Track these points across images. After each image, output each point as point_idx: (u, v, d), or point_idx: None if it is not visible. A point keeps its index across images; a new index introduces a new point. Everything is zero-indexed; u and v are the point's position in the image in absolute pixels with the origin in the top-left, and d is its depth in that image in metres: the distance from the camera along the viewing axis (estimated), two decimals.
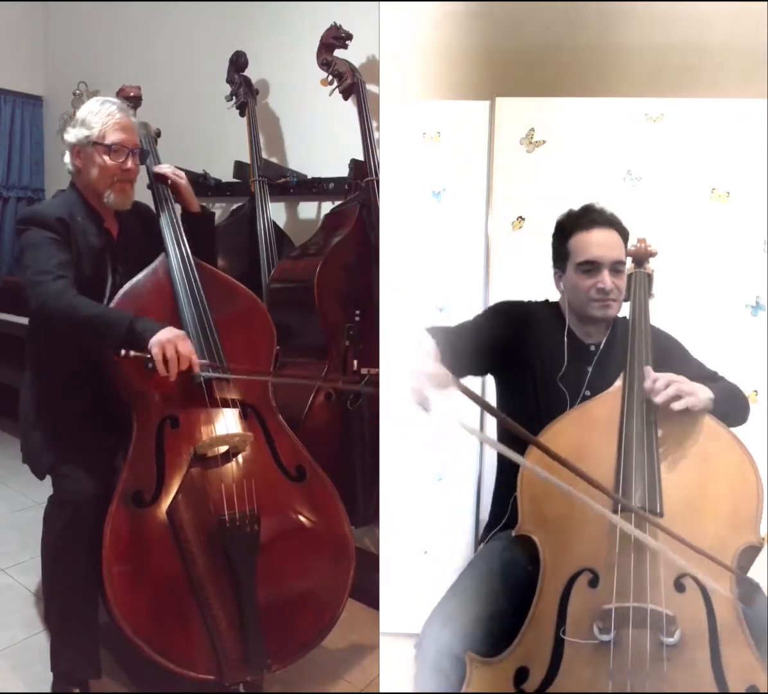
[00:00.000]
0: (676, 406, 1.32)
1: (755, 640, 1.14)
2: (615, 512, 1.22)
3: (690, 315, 2.19)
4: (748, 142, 2.20)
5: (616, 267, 1.57)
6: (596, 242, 1.57)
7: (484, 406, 1.11)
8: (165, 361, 1.56)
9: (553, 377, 1.58)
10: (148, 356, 1.55)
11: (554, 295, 1.74)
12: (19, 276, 1.74)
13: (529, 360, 1.61)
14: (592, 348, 1.63)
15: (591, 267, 1.57)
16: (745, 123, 2.19)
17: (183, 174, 2.00)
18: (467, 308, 2.26)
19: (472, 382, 2.16)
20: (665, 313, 2.15)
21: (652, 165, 2.24)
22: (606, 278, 1.55)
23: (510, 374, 1.67)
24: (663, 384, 1.34)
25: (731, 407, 1.47)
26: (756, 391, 2.19)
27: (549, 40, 2.38)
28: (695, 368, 1.59)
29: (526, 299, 1.73)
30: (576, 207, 1.65)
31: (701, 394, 1.35)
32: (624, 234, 1.62)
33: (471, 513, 2.28)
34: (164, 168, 1.99)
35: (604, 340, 1.63)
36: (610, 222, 1.60)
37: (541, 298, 1.77)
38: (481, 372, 1.71)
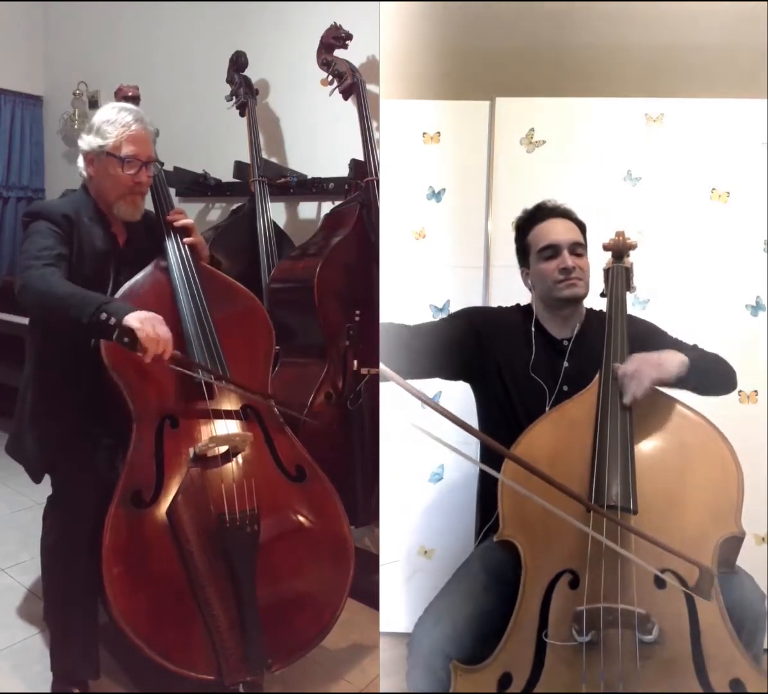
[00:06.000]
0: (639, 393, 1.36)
1: (738, 633, 1.14)
2: (588, 512, 1.21)
3: (690, 315, 2.19)
4: (748, 142, 2.20)
5: (575, 250, 1.62)
6: (552, 229, 1.64)
7: (425, 400, 1.03)
8: (145, 339, 1.48)
9: (524, 369, 1.60)
10: (127, 328, 1.47)
11: None
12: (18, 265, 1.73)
13: (497, 362, 1.63)
14: (565, 343, 1.64)
15: (551, 252, 1.62)
16: (745, 123, 2.20)
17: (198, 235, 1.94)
18: None
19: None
20: (665, 313, 2.16)
21: (652, 165, 2.24)
22: (566, 258, 1.60)
23: (481, 381, 1.68)
24: (628, 379, 1.38)
25: (713, 368, 1.51)
26: (756, 391, 2.20)
27: (549, 40, 2.38)
28: (671, 345, 1.57)
29: (495, 306, 1.77)
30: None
31: (668, 364, 1.39)
32: (579, 224, 1.67)
33: (471, 513, 2.27)
34: (184, 220, 1.91)
35: (575, 334, 1.65)
36: (563, 213, 1.67)
37: None
38: (441, 374, 1.67)
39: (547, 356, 1.62)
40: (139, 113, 1.80)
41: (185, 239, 1.88)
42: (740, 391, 2.20)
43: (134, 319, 1.50)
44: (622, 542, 1.17)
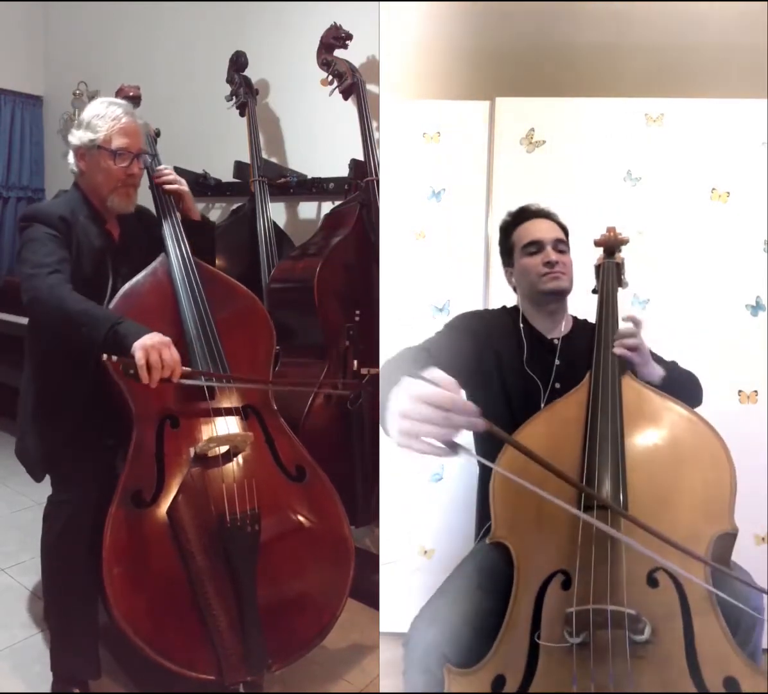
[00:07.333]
0: (619, 352, 1.42)
1: (733, 630, 1.13)
2: (581, 509, 1.20)
3: (690, 315, 2.20)
4: (748, 142, 2.20)
5: (558, 246, 1.65)
6: (536, 227, 1.68)
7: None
8: (148, 367, 1.48)
9: (520, 365, 1.61)
10: (131, 361, 1.47)
11: None
12: (18, 272, 1.73)
13: (493, 360, 1.64)
14: (555, 341, 1.67)
15: (535, 248, 1.66)
16: (745, 123, 2.20)
17: (184, 182, 1.98)
18: (467, 308, 2.26)
19: None
20: (665, 313, 2.16)
21: (652, 165, 2.24)
22: (550, 252, 1.64)
23: (480, 379, 1.66)
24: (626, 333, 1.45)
25: (681, 387, 1.53)
26: (756, 391, 2.20)
27: (549, 40, 2.38)
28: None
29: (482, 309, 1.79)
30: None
31: (654, 371, 1.47)
32: (562, 226, 1.71)
33: (471, 513, 2.28)
34: (166, 175, 1.95)
35: (566, 333, 1.68)
36: (546, 214, 1.72)
37: None
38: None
39: (539, 353, 1.64)
40: (128, 106, 1.82)
41: (167, 186, 1.92)
42: (740, 391, 2.20)
43: (139, 348, 1.48)
44: (614, 539, 1.16)
